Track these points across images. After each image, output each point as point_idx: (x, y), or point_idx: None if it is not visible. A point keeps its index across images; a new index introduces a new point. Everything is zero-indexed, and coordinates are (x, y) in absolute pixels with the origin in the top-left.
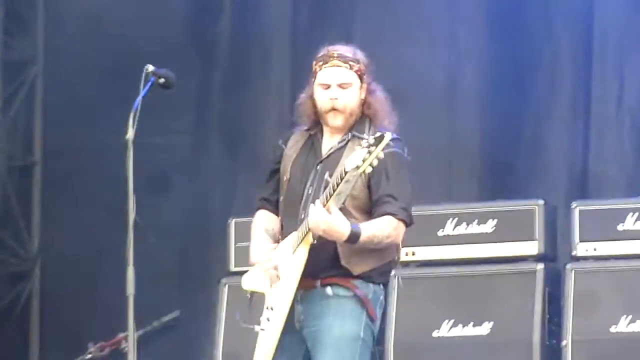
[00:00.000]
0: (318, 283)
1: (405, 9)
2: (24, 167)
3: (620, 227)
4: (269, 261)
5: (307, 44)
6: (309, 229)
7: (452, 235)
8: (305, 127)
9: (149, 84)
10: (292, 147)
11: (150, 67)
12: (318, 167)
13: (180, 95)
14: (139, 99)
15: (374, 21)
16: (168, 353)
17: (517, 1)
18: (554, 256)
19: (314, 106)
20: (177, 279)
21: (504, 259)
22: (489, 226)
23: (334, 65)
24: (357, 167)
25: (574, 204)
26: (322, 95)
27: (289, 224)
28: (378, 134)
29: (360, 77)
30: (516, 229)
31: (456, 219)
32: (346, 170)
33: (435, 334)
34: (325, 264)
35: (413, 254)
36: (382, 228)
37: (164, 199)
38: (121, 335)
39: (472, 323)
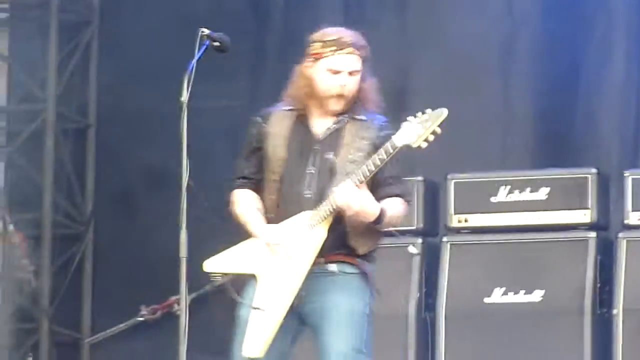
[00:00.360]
0: (322, 260)
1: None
2: (78, 129)
3: None
4: (279, 239)
5: (360, 10)
6: (335, 209)
7: (505, 202)
8: (289, 107)
9: (204, 47)
10: (278, 126)
11: (205, 31)
12: (317, 147)
13: (235, 60)
14: (194, 62)
15: None
16: (220, 317)
17: None
18: (607, 225)
19: (310, 86)
20: (229, 243)
21: (556, 227)
22: (542, 194)
23: (349, 53)
24: (410, 143)
25: (626, 173)
26: (330, 79)
27: (287, 203)
28: (432, 110)
29: (364, 62)
30: (569, 197)
31: (509, 186)
32: (397, 145)
33: (486, 300)
34: (331, 242)
35: (466, 220)
36: (398, 210)
37: (217, 162)
38: (173, 298)
39: (523, 291)
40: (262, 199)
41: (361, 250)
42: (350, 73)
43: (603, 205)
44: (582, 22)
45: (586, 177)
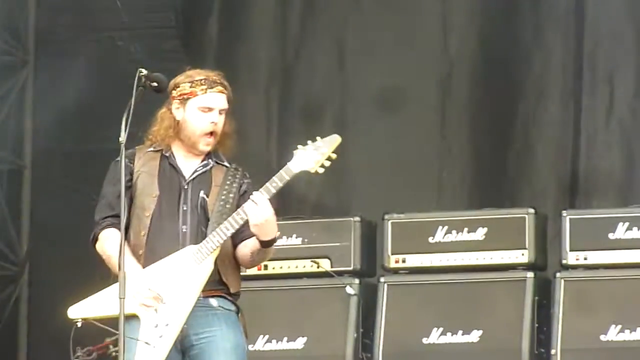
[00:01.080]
0: (201, 295)
1: (399, 17)
2: (13, 170)
3: (611, 236)
4: (156, 280)
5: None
6: (220, 242)
7: (442, 243)
8: (152, 149)
9: (141, 87)
10: (146, 165)
11: (143, 71)
12: (186, 187)
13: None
14: (132, 101)
15: (367, 28)
16: None
17: (508, 10)
18: (544, 265)
19: (177, 128)
20: None
21: (494, 267)
22: (479, 234)
23: (219, 92)
24: (309, 169)
25: (564, 213)
26: (201, 118)
27: (162, 238)
28: (327, 137)
29: (229, 105)
30: (506, 237)
31: (446, 226)
32: (293, 171)
33: (424, 341)
34: (210, 278)
35: (403, 261)
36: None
37: None
38: (109, 340)
39: (461, 331)
40: (129, 235)
41: (233, 288)
42: (221, 112)
43: (540, 245)
44: (518, 60)
45: (523, 217)
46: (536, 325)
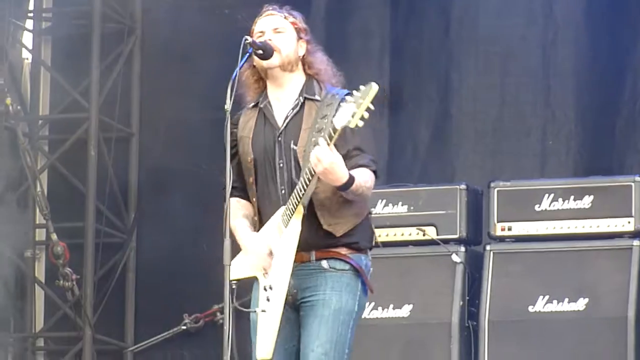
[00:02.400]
0: (312, 257)
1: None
2: (120, 138)
3: None
4: (260, 245)
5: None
6: (302, 196)
7: (548, 211)
8: (251, 104)
9: (247, 55)
10: (245, 128)
11: (249, 39)
12: (280, 138)
13: None
14: (237, 70)
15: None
16: None
17: None
18: None
19: (256, 73)
20: None
21: (600, 235)
22: (586, 202)
23: (268, 15)
24: (348, 124)
25: None
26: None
27: (266, 202)
28: (363, 86)
29: (297, 31)
30: (613, 205)
31: (552, 194)
32: (337, 128)
33: (530, 309)
34: (311, 234)
35: (509, 229)
36: (365, 178)
37: None
38: (216, 307)
39: (567, 299)
40: (228, 203)
41: (339, 231)
42: (275, 30)
43: None
44: (626, 26)
45: (630, 185)
46: None
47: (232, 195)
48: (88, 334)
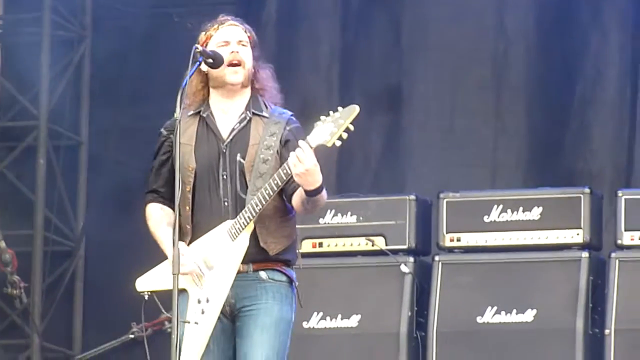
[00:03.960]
0: (249, 268)
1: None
2: (70, 146)
3: None
4: (195, 258)
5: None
6: (258, 211)
7: (498, 222)
8: (191, 112)
9: (197, 64)
10: (185, 135)
11: (199, 47)
12: (225, 150)
13: None
14: (187, 78)
15: (423, 5)
16: None
17: None
18: (599, 244)
19: (202, 81)
20: None
21: (549, 247)
22: (535, 213)
23: (232, 25)
24: (325, 143)
25: (619, 193)
26: (222, 52)
27: (204, 212)
28: (343, 108)
29: (252, 45)
30: (562, 216)
31: (502, 205)
32: (312, 146)
33: (479, 320)
34: (250, 248)
35: (458, 239)
36: (324, 195)
37: None
38: (164, 315)
39: (515, 310)
40: (178, 211)
41: (273, 250)
42: (239, 42)
43: (596, 225)
44: (575, 39)
45: (579, 197)
46: (590, 305)
47: (156, 200)
48: (36, 341)
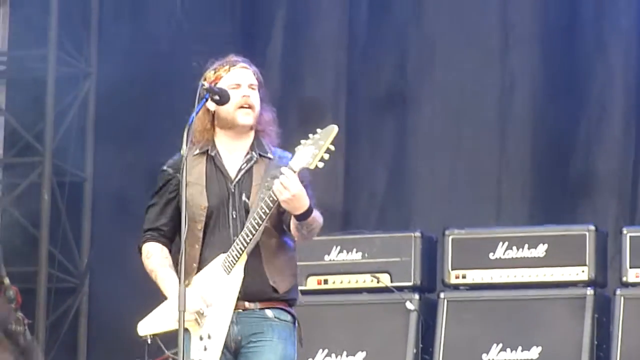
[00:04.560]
0: (256, 305)
1: (457, 30)
2: (74, 183)
3: None
4: (195, 298)
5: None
6: (249, 242)
7: (503, 259)
8: (197, 151)
9: (204, 101)
10: (193, 174)
11: (205, 84)
12: (234, 190)
13: None
14: (193, 115)
15: (427, 42)
16: None
17: (570, 23)
18: (604, 282)
19: (210, 120)
20: None
21: (554, 284)
22: (540, 250)
23: (243, 67)
24: (307, 165)
25: (624, 230)
26: (233, 94)
27: (214, 250)
28: (322, 129)
29: (259, 87)
30: (567, 253)
31: (507, 242)
32: (294, 170)
33: (484, 357)
34: (256, 287)
35: (464, 276)
36: (317, 214)
37: None
38: (168, 353)
39: (521, 347)
40: (185, 249)
41: (281, 288)
42: (250, 86)
43: (601, 262)
44: (580, 75)
45: (584, 234)
46: (596, 342)
47: (156, 240)
48: None
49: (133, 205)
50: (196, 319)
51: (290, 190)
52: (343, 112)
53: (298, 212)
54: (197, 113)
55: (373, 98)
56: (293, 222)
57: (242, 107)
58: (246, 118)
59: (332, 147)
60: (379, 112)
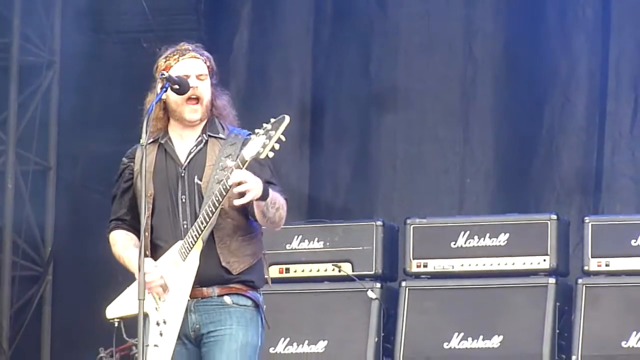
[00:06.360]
0: (214, 292)
1: (421, 26)
2: (38, 171)
3: (633, 243)
4: (154, 276)
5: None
6: (204, 229)
7: (464, 248)
8: (150, 140)
9: (163, 90)
10: (143, 162)
11: (165, 74)
12: (183, 174)
13: None
14: (153, 104)
15: (391, 34)
16: None
17: (534, 15)
18: (566, 271)
19: (163, 108)
20: None
21: (515, 273)
22: (501, 239)
23: (192, 57)
24: (258, 155)
25: (586, 219)
26: None
27: (164, 236)
28: (275, 118)
29: (211, 74)
30: (529, 242)
31: (469, 231)
32: (246, 159)
33: (445, 346)
34: (211, 270)
35: (425, 265)
36: (278, 196)
37: None
38: (131, 341)
39: (482, 336)
40: (140, 237)
41: (236, 270)
42: (198, 77)
43: (563, 251)
44: (544, 65)
45: (546, 223)
46: (557, 331)
47: (120, 227)
48: None
49: (97, 194)
50: (156, 301)
51: (248, 184)
52: (309, 105)
53: (258, 196)
54: (156, 102)
55: (337, 90)
56: (257, 207)
57: (190, 98)
58: (193, 115)
59: (283, 138)
60: (344, 105)
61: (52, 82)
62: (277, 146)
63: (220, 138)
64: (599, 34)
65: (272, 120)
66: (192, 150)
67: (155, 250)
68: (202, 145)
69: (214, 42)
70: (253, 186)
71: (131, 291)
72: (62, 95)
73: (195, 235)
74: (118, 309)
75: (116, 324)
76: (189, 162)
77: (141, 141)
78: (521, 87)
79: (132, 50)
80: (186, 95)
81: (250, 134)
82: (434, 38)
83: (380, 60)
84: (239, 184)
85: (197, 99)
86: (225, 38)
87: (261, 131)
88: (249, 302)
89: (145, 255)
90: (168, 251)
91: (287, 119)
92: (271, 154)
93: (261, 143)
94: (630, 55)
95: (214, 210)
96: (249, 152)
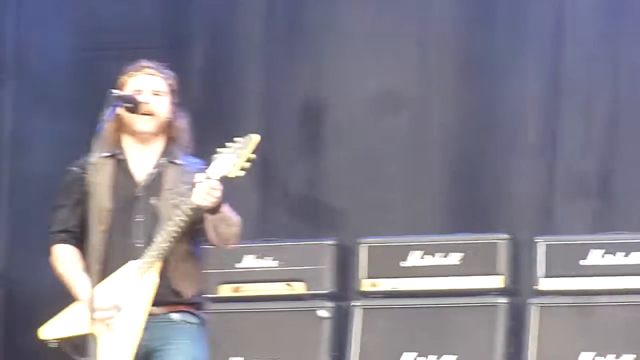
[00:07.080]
0: (161, 310)
1: (373, 47)
2: None
3: (583, 263)
4: (108, 314)
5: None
6: (166, 250)
7: (417, 267)
8: (105, 154)
9: (113, 109)
10: (99, 175)
11: (115, 92)
12: (140, 194)
13: None
14: (102, 123)
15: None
16: None
17: (484, 34)
18: (518, 290)
19: (117, 123)
20: None
21: (467, 292)
22: (454, 259)
23: (147, 74)
24: (227, 174)
25: (538, 239)
26: None
27: (116, 253)
28: (243, 137)
29: (171, 93)
30: (480, 262)
31: (421, 251)
32: (215, 179)
33: None
34: (162, 291)
35: (377, 285)
36: (233, 214)
37: None
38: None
39: (434, 356)
40: (88, 250)
41: (187, 293)
42: (154, 92)
43: (514, 270)
44: (495, 85)
45: (497, 243)
46: (509, 350)
47: (65, 241)
48: None
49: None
50: (106, 321)
51: (214, 197)
52: (263, 119)
53: (214, 206)
54: (106, 121)
55: (290, 105)
56: (210, 222)
57: (142, 114)
58: (144, 125)
59: (253, 156)
60: (296, 120)
61: (4, 100)
62: (246, 165)
63: (179, 164)
64: (548, 53)
65: (240, 139)
66: (152, 172)
67: (106, 266)
68: (161, 168)
69: (172, 60)
70: (219, 195)
71: (72, 312)
72: (15, 113)
73: (157, 255)
74: (56, 329)
75: (53, 346)
76: (147, 183)
77: (91, 160)
78: (473, 105)
79: (86, 65)
80: (139, 112)
81: (204, 163)
82: (386, 56)
83: (331, 80)
84: (212, 188)
85: (149, 114)
86: (181, 55)
87: (229, 150)
88: (196, 320)
89: (97, 270)
90: (120, 270)
91: (257, 137)
92: (241, 173)
93: (231, 162)
94: (582, 76)
95: (178, 230)
96: (217, 171)
